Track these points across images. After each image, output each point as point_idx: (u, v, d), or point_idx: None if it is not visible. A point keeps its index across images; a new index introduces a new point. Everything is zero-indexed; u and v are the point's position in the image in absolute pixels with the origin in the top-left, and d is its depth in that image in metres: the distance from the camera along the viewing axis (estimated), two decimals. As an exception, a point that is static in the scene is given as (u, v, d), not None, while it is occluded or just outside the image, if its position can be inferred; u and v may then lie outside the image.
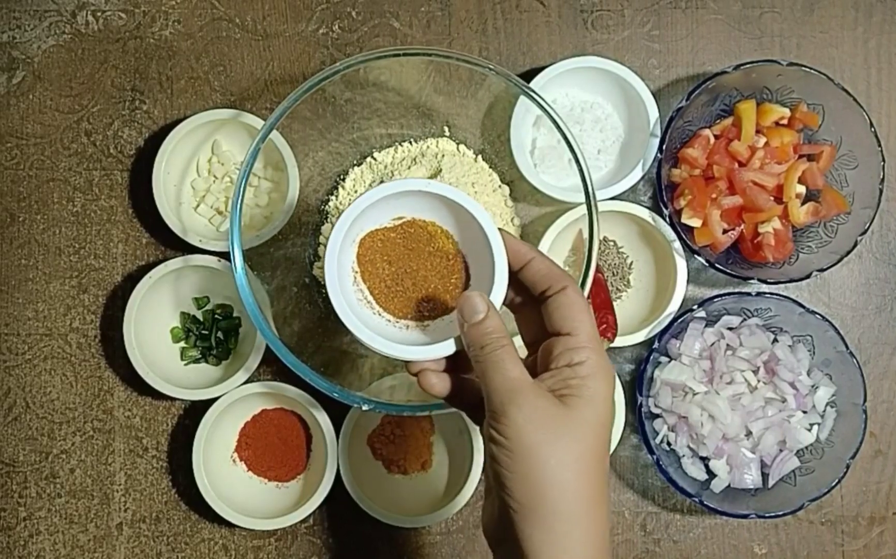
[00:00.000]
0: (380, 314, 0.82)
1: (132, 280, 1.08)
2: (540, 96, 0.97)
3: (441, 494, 1.07)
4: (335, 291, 0.79)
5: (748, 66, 1.03)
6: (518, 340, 0.77)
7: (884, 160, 1.02)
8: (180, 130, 1.07)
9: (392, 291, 0.83)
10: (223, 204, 1.10)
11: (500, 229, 0.79)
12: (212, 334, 1.09)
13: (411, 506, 1.07)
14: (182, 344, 1.09)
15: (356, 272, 0.82)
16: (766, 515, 1.02)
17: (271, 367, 1.10)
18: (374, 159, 1.11)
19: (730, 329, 1.06)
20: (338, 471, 1.04)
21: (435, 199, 0.81)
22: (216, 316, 1.09)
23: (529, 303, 0.78)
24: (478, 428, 1.04)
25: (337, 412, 1.06)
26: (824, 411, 1.05)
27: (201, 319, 1.10)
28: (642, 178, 1.08)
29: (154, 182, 1.06)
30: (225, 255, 1.06)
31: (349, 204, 0.80)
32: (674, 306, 1.06)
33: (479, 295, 0.74)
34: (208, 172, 1.11)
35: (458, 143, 1.10)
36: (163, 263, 1.05)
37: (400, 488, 1.09)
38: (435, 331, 0.81)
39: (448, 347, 0.77)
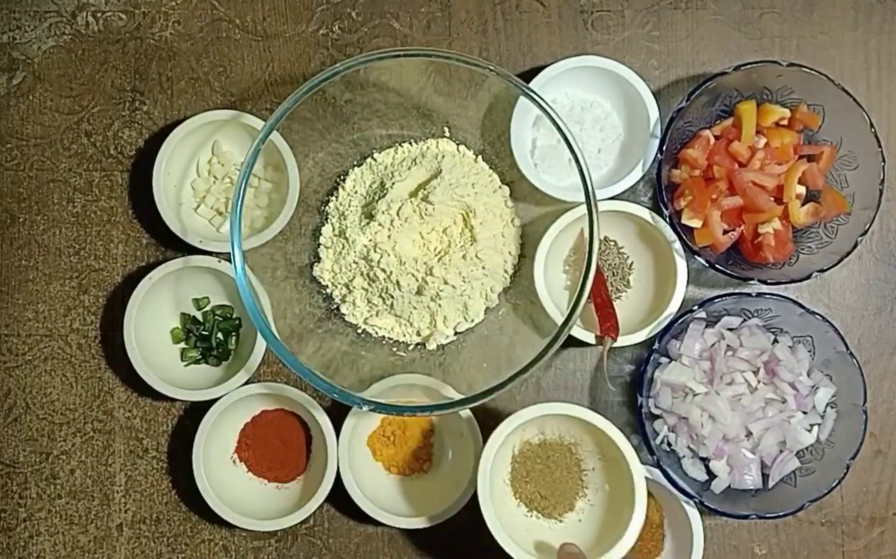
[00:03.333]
0: None
1: (132, 281, 1.08)
2: (540, 96, 0.97)
3: (441, 495, 1.07)
4: None
5: (748, 66, 1.03)
6: None
7: (884, 160, 1.02)
8: (180, 131, 1.07)
9: None
10: (223, 205, 1.10)
11: None
12: (212, 335, 1.09)
13: (411, 506, 1.07)
14: (182, 345, 1.09)
15: None
16: (767, 516, 1.02)
17: (271, 368, 1.10)
18: (375, 160, 1.11)
19: (730, 330, 1.06)
20: (338, 471, 1.04)
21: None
22: (216, 316, 1.09)
23: None
24: (478, 429, 1.04)
25: (337, 412, 1.06)
26: (824, 412, 1.05)
27: (201, 320, 1.10)
28: (642, 178, 1.07)
29: (154, 183, 1.06)
30: (225, 256, 1.06)
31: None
32: (674, 307, 1.06)
33: None
34: (208, 173, 1.11)
35: (458, 144, 1.10)
36: (163, 264, 1.05)
37: (400, 488, 1.09)
38: None
39: None
